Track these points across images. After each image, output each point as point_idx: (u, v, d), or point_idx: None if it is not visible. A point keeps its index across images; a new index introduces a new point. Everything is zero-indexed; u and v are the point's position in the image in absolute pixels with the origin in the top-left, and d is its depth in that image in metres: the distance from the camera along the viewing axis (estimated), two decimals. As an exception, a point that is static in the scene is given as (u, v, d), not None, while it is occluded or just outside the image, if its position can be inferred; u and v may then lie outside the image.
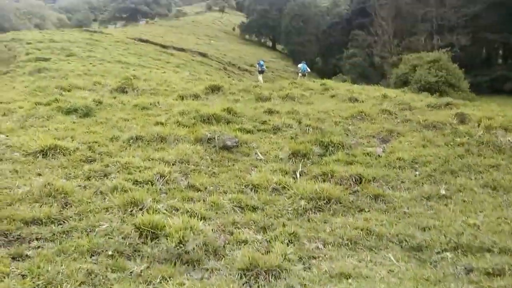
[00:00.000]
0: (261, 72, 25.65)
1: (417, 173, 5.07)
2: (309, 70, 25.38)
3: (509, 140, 5.66)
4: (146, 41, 40.11)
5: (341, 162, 5.56)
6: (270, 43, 75.47)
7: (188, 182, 4.80)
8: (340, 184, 4.80)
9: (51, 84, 11.67)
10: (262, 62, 26.67)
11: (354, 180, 4.81)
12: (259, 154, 6.04)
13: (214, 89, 10.94)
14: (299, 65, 25.74)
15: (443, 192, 4.43)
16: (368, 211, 4.21)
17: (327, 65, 61.92)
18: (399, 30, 48.73)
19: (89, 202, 4.14)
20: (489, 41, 46.84)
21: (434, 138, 6.33)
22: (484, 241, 3.38)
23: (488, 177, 4.80)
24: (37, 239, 3.40)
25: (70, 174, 4.93)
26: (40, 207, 3.91)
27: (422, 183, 4.78)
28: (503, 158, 5.38)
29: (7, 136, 6.18)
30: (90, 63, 21.42)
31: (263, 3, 72.65)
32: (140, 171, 5.02)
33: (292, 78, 41.23)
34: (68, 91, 10.80)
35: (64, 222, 3.74)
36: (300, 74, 24.07)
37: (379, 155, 5.71)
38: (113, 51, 29.16)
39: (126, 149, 6.01)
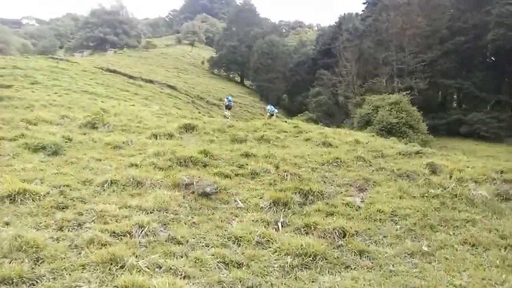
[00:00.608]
0: (228, 107, 26.28)
1: (398, 227, 5.15)
2: (276, 111, 26.28)
3: (480, 194, 5.91)
4: (114, 71, 39.67)
5: (322, 212, 5.57)
6: (238, 79, 76.90)
7: (169, 234, 4.60)
8: (324, 238, 4.77)
9: (15, 116, 11.14)
10: (230, 98, 27.45)
11: (337, 233, 4.80)
12: (239, 202, 5.95)
13: (188, 128, 10.86)
14: (267, 107, 26.84)
15: (425, 248, 4.50)
16: (354, 268, 4.18)
17: (294, 102, 63.66)
18: (362, 72, 51.24)
19: (64, 258, 3.85)
20: (445, 86, 50.11)
21: (410, 189, 6.51)
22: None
23: (466, 233, 4.94)
24: (7, 304, 3.10)
25: (41, 223, 4.60)
26: (10, 263, 3.60)
27: (404, 238, 4.85)
28: (477, 213, 5.58)
29: (-32, 177, 5.76)
30: (55, 93, 20.79)
31: (232, 40, 74.58)
32: (117, 221, 4.78)
33: (260, 114, 41.96)
34: (35, 124, 10.36)
35: (37, 281, 3.44)
36: (268, 114, 24.80)
37: (359, 206, 5.78)
38: (79, 80, 28.54)
39: (100, 194, 5.75)
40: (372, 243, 4.73)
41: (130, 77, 39.48)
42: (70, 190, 5.67)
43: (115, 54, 64.35)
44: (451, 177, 6.85)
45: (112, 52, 66.65)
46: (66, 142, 8.46)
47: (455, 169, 7.12)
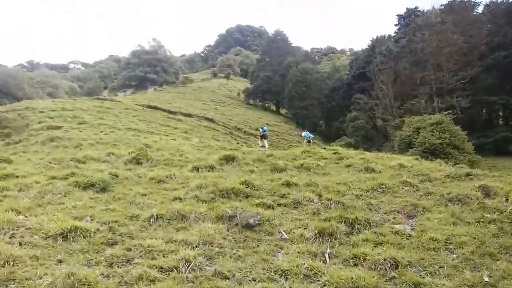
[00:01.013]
0: (264, 137, 26.60)
1: (454, 256, 4.83)
2: (312, 136, 26.25)
3: (542, 218, 5.48)
4: (155, 108, 41.31)
5: (370, 242, 5.35)
6: (274, 107, 77.62)
7: (215, 269, 4.57)
8: (375, 270, 4.55)
9: (65, 156, 11.76)
10: (265, 128, 27.85)
11: (389, 264, 4.58)
12: (283, 233, 5.85)
13: (229, 159, 10.98)
14: (303, 133, 26.85)
15: (486, 279, 4.18)
16: (411, 303, 3.94)
17: (331, 128, 63.14)
18: (399, 94, 50.21)
19: (114, 295, 3.91)
20: (489, 103, 47.99)
21: (463, 214, 6.15)
22: None
23: (531, 261, 4.56)
24: None
25: (92, 260, 4.73)
26: (64, 302, 3.70)
27: (462, 268, 4.53)
28: (540, 238, 5.16)
29: (25, 216, 6.06)
30: (101, 131, 21.87)
31: (266, 70, 76.00)
32: (164, 256, 4.83)
33: (297, 142, 41.79)
34: (83, 163, 10.87)
35: (89, 320, 3.51)
36: (305, 141, 24.83)
37: (409, 235, 5.51)
38: (123, 118, 29.93)
39: (147, 229, 5.86)
40: (427, 275, 4.45)
41: (170, 112, 40.92)
42: (119, 226, 5.83)
43: (155, 91, 67.25)
44: (507, 199, 6.42)
45: (152, 89, 69.73)
46: (113, 178, 8.78)
47: (511, 191, 6.67)
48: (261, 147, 24.00)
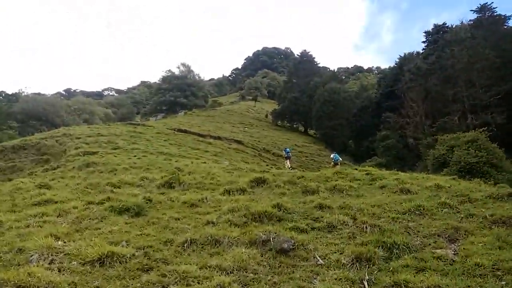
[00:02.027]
0: (288, 158, 27.35)
1: (503, 283, 4.53)
2: (341, 159, 26.38)
3: None
4: (185, 131, 42.12)
5: (411, 268, 5.12)
6: (302, 128, 77.40)
7: (251, 296, 4.49)
8: (418, 298, 4.34)
9: (101, 180, 12.09)
10: (288, 149, 28.86)
11: (433, 293, 4.35)
12: (318, 258, 5.70)
13: (259, 181, 10.96)
14: (332, 155, 27.20)
15: (541, 308, 3.89)
16: (459, 334, 3.71)
17: (360, 147, 62.15)
18: (430, 111, 49.03)
19: (151, 323, 3.90)
20: (526, 118, 45.80)
21: (509, 237, 5.80)
22: None
23: None
24: None
25: (128, 286, 4.77)
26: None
27: (513, 297, 4.25)
28: None
29: (64, 241, 6.22)
30: (135, 155, 22.43)
31: (293, 91, 76.33)
32: (199, 282, 4.80)
33: (327, 162, 41.25)
34: (118, 187, 11.13)
35: None
36: (332, 163, 24.95)
37: (453, 260, 5.23)
38: (155, 142, 30.63)
39: (181, 254, 5.87)
40: (475, 304, 4.20)
41: (200, 135, 41.59)
42: (153, 251, 5.87)
43: (185, 115, 68.67)
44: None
45: (182, 113, 71.29)
46: (147, 202, 8.92)
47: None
48: (289, 168, 24.42)
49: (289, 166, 26.08)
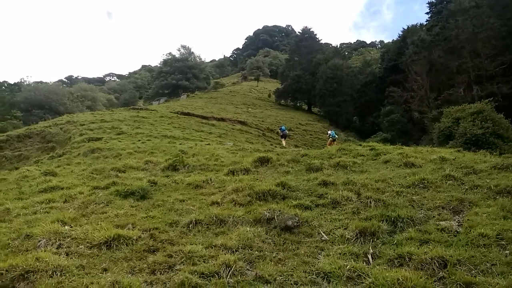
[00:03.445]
0: (284, 136, 27.54)
1: (507, 252, 4.54)
2: (336, 136, 27.12)
3: None
4: (188, 114, 42.04)
5: (415, 240, 5.13)
6: (306, 106, 76.96)
7: (256, 273, 4.54)
8: (422, 270, 4.36)
9: (106, 166, 12.16)
10: (284, 127, 28.92)
11: (437, 264, 4.37)
12: (323, 234, 5.74)
13: (263, 161, 10.96)
14: (329, 132, 27.74)
15: (545, 276, 3.89)
16: (464, 304, 3.73)
17: (365, 123, 61.77)
18: (435, 84, 48.34)
19: (159, 303, 3.97)
20: (533, 87, 45.12)
21: (514, 207, 5.79)
22: None
23: None
24: None
25: (135, 267, 4.83)
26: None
27: (517, 265, 4.25)
28: None
29: (71, 226, 6.30)
30: (139, 140, 22.48)
31: (296, 69, 75.51)
32: (204, 261, 4.85)
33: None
34: (123, 172, 11.19)
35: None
36: (330, 139, 25.33)
37: (457, 231, 5.24)
38: (158, 126, 30.63)
39: (186, 234, 5.93)
40: (479, 273, 4.20)
41: (203, 117, 41.51)
42: (159, 232, 5.94)
43: (188, 98, 68.55)
44: None
45: (185, 96, 71.12)
46: (152, 186, 8.98)
47: None
48: (282, 147, 24.73)
49: (284, 144, 26.33)
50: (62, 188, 9.56)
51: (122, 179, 9.93)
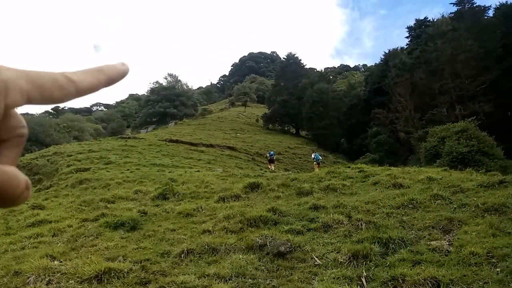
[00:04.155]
0: (271, 161, 28.10)
1: (498, 270, 4.60)
2: (320, 158, 27.75)
3: None
4: (177, 141, 41.95)
5: (408, 261, 5.17)
6: (293, 130, 77.56)
7: (251, 302, 4.50)
8: (416, 291, 4.39)
9: (95, 197, 12.01)
10: (272, 152, 29.38)
11: (430, 284, 4.40)
12: (316, 259, 5.74)
13: (254, 186, 10.97)
14: (312, 156, 27.99)
15: (536, 292, 3.95)
16: (458, 323, 3.75)
17: (353, 145, 62.37)
18: (418, 104, 49.47)
19: (153, 336, 3.89)
20: (513, 105, 46.46)
21: (502, 224, 5.90)
22: None
23: None
24: None
25: (127, 301, 4.75)
26: None
27: (508, 282, 4.31)
28: None
29: (60, 261, 6.17)
30: (127, 169, 22.26)
31: (282, 94, 76.50)
32: (198, 292, 4.79)
33: (321, 162, 41.41)
34: (113, 202, 11.06)
35: None
36: (315, 163, 25.76)
37: (448, 251, 5.30)
38: (147, 154, 30.45)
39: (178, 265, 5.86)
40: (472, 292, 4.25)
41: (192, 144, 41.46)
42: (151, 264, 5.85)
43: (176, 125, 68.51)
44: (548, 205, 6.13)
45: (173, 124, 71.10)
46: (142, 216, 8.89)
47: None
48: (271, 171, 24.98)
49: (273, 169, 26.85)
50: (51, 222, 9.37)
51: (112, 210, 9.81)
